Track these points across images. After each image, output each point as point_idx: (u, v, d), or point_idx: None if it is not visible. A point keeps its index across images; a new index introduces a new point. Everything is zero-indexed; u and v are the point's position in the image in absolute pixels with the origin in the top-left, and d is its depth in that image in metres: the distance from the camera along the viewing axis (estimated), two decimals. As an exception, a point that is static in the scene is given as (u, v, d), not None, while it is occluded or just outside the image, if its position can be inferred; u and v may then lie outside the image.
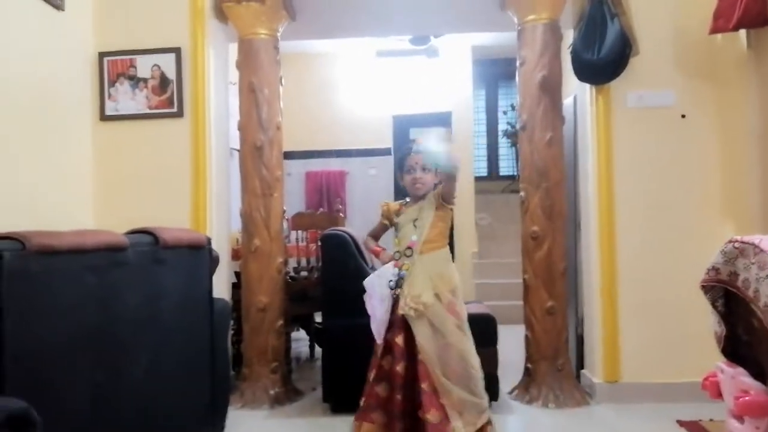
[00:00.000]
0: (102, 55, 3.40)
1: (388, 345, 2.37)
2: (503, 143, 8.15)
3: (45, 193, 3.00)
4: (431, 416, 2.23)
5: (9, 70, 2.77)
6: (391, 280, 2.39)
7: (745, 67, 3.01)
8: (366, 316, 3.19)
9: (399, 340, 2.34)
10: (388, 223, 2.54)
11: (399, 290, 2.37)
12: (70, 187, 3.24)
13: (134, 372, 1.99)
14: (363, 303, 3.20)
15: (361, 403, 2.40)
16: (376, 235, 2.64)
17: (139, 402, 2.01)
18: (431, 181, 2.44)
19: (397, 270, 2.39)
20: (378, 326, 2.40)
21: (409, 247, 2.40)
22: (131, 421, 1.96)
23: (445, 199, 2.43)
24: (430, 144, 2.37)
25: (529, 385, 3.33)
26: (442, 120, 6.62)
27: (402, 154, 2.51)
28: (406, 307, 2.31)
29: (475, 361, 2.37)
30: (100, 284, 1.84)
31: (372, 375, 2.38)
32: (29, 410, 1.37)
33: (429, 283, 2.35)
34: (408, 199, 2.53)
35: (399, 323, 2.36)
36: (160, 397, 2.12)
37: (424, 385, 2.27)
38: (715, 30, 3.00)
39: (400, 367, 2.32)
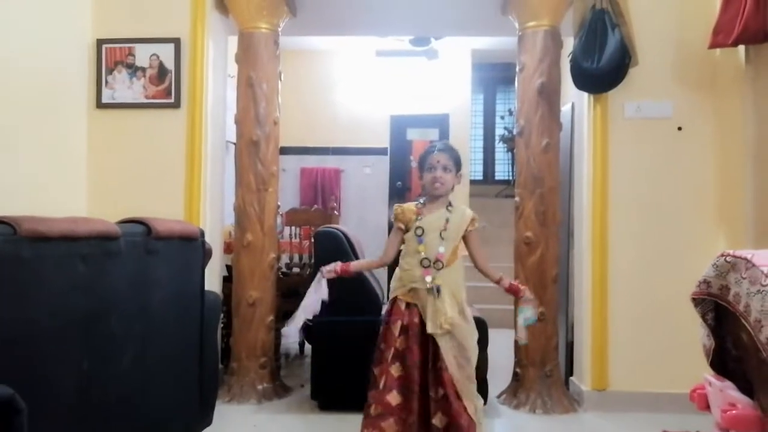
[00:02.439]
0: (100, 42, 3.37)
1: (399, 353, 2.29)
2: (499, 148, 8.16)
3: (39, 180, 2.98)
4: (464, 420, 2.20)
5: (6, 55, 2.75)
6: (430, 289, 2.26)
7: (742, 81, 3.03)
8: (357, 315, 3.21)
9: (415, 348, 2.26)
10: (403, 227, 2.37)
11: (436, 299, 2.26)
12: (64, 174, 3.21)
13: (122, 362, 1.97)
14: (354, 302, 3.23)
15: (371, 410, 2.29)
16: (395, 247, 2.42)
17: (127, 392, 1.99)
18: (451, 181, 2.36)
19: (429, 278, 2.27)
20: (307, 314, 2.40)
21: (438, 260, 2.28)
22: (118, 411, 1.95)
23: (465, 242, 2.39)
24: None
25: (517, 390, 3.33)
26: (440, 122, 6.62)
27: (426, 151, 2.41)
28: (438, 328, 2.23)
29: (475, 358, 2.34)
30: (91, 272, 1.83)
31: (382, 382, 2.28)
32: (14, 397, 1.36)
33: (453, 300, 2.28)
34: (422, 200, 2.41)
35: (415, 332, 2.28)
36: (147, 388, 2.11)
37: (448, 391, 2.22)
38: (714, 45, 3.02)
39: (416, 375, 2.25)
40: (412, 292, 2.30)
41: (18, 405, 1.36)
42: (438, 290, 2.25)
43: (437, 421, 2.22)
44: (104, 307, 1.89)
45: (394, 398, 2.26)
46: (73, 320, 1.75)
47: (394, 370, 2.28)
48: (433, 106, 6.64)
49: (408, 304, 2.31)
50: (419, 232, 2.31)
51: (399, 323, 2.30)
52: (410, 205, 2.41)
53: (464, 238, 2.36)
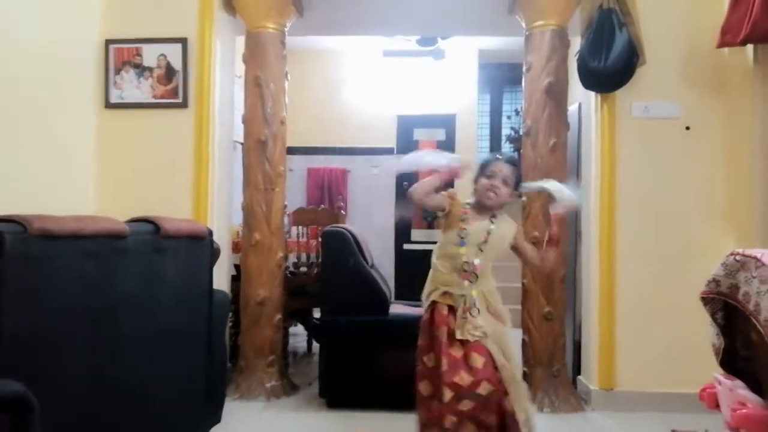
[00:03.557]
0: (108, 42, 3.39)
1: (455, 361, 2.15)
2: (506, 148, 8.15)
3: (48, 179, 3.00)
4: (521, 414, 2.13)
5: (15, 55, 2.77)
6: (464, 295, 2.16)
7: (751, 81, 3.01)
8: (365, 313, 3.22)
9: (456, 352, 2.13)
10: (449, 207, 2.23)
11: (472, 308, 2.16)
12: (72, 174, 3.24)
13: (132, 359, 1.98)
14: (361, 300, 3.23)
15: (446, 423, 2.13)
16: (429, 193, 2.23)
17: (136, 389, 2.00)
18: (505, 196, 2.23)
19: (467, 283, 2.17)
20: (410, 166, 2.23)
21: (474, 272, 2.17)
22: (128, 408, 1.96)
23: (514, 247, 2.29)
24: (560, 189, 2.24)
25: (524, 389, 3.33)
26: (446, 122, 6.62)
27: (489, 158, 2.29)
28: (470, 335, 2.13)
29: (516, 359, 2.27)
30: (100, 270, 1.84)
31: (448, 396, 2.10)
32: (27, 393, 1.37)
33: (484, 306, 2.18)
34: (469, 203, 2.27)
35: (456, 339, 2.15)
36: (157, 386, 2.12)
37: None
38: (722, 44, 3.01)
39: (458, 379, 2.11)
40: (446, 295, 2.19)
41: (30, 401, 1.37)
42: (475, 304, 2.14)
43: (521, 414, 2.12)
44: (113, 305, 1.90)
45: (465, 406, 2.09)
46: (82, 318, 1.76)
47: (455, 376, 2.11)
48: (440, 106, 6.64)
49: (450, 308, 2.19)
50: (463, 234, 2.19)
51: (444, 329, 2.16)
52: (462, 203, 2.26)
53: (514, 249, 2.29)
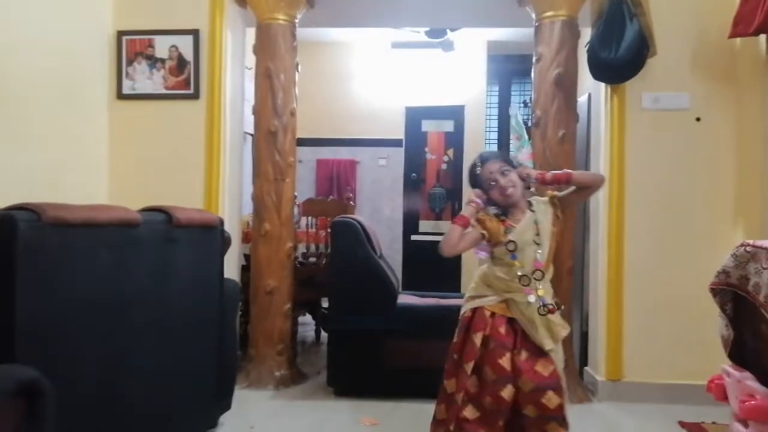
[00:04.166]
0: (120, 33, 3.42)
1: (477, 367, 2.07)
2: (513, 140, 8.12)
3: (61, 169, 3.03)
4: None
5: (29, 47, 2.80)
6: (530, 303, 2.04)
7: (762, 72, 2.99)
8: (373, 303, 3.24)
9: (498, 362, 2.03)
10: (486, 234, 2.12)
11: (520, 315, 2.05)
12: (85, 164, 3.27)
13: (143, 347, 2.01)
14: (369, 290, 3.25)
15: (441, 416, 2.13)
16: (461, 246, 2.15)
17: (148, 377, 2.03)
18: (518, 181, 2.12)
19: (534, 297, 2.04)
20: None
21: (538, 270, 2.06)
22: (139, 395, 1.99)
23: (563, 209, 2.17)
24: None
25: (531, 380, 3.34)
26: (455, 113, 6.61)
27: (471, 171, 2.19)
28: (549, 341, 2.02)
29: None
30: (113, 259, 1.87)
31: (460, 398, 2.06)
32: (41, 379, 1.39)
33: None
34: (498, 211, 2.16)
35: (499, 344, 2.06)
36: (168, 373, 2.15)
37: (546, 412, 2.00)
38: (734, 34, 2.98)
39: (506, 393, 2.01)
40: (505, 303, 2.08)
41: (44, 387, 1.40)
42: (545, 305, 2.04)
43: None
44: (126, 293, 1.92)
45: (471, 413, 2.04)
46: (95, 305, 1.79)
47: (471, 384, 2.05)
48: (449, 97, 6.62)
49: (493, 313, 2.09)
50: (512, 247, 2.07)
51: (481, 335, 2.07)
52: (494, 219, 2.14)
53: (564, 208, 2.18)
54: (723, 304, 2.03)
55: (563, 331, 2.07)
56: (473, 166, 2.20)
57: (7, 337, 1.50)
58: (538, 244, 2.08)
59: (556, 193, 2.18)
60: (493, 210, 2.17)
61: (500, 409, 2.01)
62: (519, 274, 2.06)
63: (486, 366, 2.04)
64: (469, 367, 2.05)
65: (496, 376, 2.01)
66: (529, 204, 2.14)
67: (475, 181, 2.17)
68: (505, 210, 2.15)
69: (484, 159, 2.17)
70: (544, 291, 2.06)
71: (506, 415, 2.02)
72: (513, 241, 2.08)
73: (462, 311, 2.19)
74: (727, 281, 1.97)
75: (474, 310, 2.13)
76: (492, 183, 2.12)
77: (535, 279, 2.06)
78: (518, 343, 2.06)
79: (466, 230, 2.13)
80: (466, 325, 2.14)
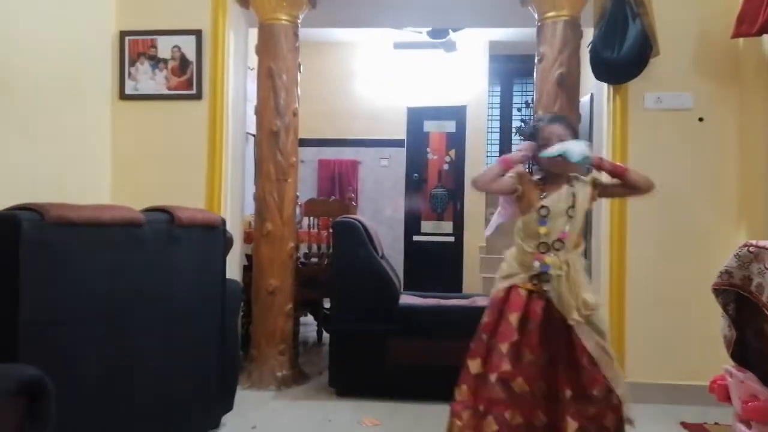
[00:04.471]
0: (123, 34, 3.42)
1: (515, 348, 2.01)
2: (516, 140, 8.13)
3: (64, 169, 3.04)
4: (609, 421, 2.02)
5: (32, 47, 2.80)
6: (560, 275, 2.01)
7: (765, 72, 2.99)
8: (374, 303, 3.24)
9: (536, 343, 2.01)
10: (521, 189, 2.11)
11: (545, 285, 2.02)
12: (88, 164, 3.27)
13: (146, 346, 2.01)
14: (371, 290, 3.25)
15: (463, 397, 2.07)
16: (494, 182, 2.13)
17: (150, 376, 2.04)
18: None
19: (537, 264, 2.03)
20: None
21: (560, 240, 2.03)
22: (141, 395, 1.99)
23: (601, 195, 2.16)
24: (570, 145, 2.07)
25: (533, 380, 3.33)
26: (457, 114, 6.61)
27: (533, 125, 2.15)
28: (576, 314, 1.97)
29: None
30: (115, 258, 1.87)
31: (494, 377, 2.00)
32: (43, 378, 1.40)
33: (587, 284, 2.05)
34: (540, 176, 2.15)
35: (537, 324, 2.02)
36: (170, 373, 2.15)
37: (588, 390, 1.98)
38: (738, 34, 2.98)
39: (535, 373, 2.00)
40: (533, 281, 2.04)
41: (46, 386, 1.40)
42: (546, 272, 2.01)
43: (568, 426, 1.95)
44: (128, 293, 1.93)
45: (500, 394, 1.99)
46: (98, 305, 1.79)
47: (505, 364, 2.00)
48: (451, 97, 6.62)
49: (530, 293, 2.05)
50: (544, 212, 2.05)
51: (517, 315, 2.02)
52: (532, 180, 2.13)
53: (603, 194, 2.18)
54: (726, 305, 2.02)
55: (586, 311, 1.98)
56: (537, 120, 2.20)
57: (11, 336, 1.51)
58: (570, 216, 2.05)
59: (597, 176, 2.18)
60: (538, 176, 2.15)
61: (533, 392, 1.99)
62: (541, 240, 2.04)
63: (524, 347, 2.00)
64: (505, 347, 2.00)
65: (533, 356, 1.99)
66: (570, 179, 2.12)
67: (533, 135, 2.14)
68: (546, 178, 2.14)
69: (551, 119, 2.16)
70: (551, 260, 2.02)
71: (540, 400, 2.00)
72: (546, 207, 2.06)
73: (493, 291, 2.15)
74: (729, 281, 1.96)
75: (508, 290, 2.08)
76: (547, 143, 2.09)
77: (554, 248, 2.03)
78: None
79: (504, 175, 2.12)
80: (498, 305, 2.08)
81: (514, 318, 2.02)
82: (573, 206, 2.06)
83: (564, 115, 2.26)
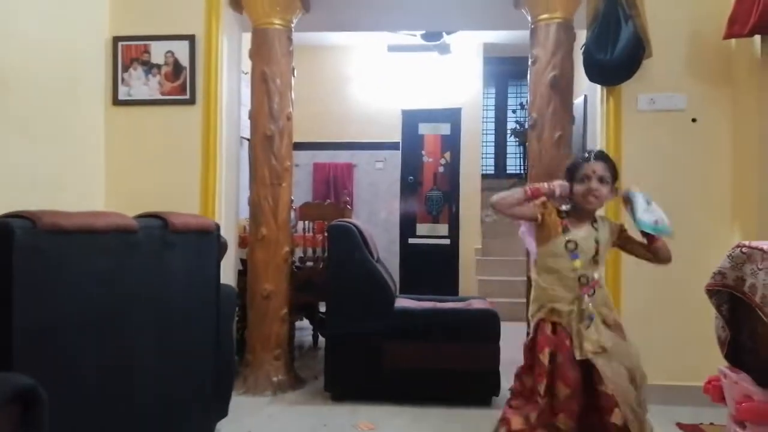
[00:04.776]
0: (116, 39, 3.41)
1: (550, 384, 2.04)
2: (511, 142, 8.14)
3: (57, 175, 3.03)
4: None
5: (25, 53, 2.79)
6: (573, 310, 2.05)
7: (758, 72, 3.00)
8: (370, 307, 3.24)
9: (569, 374, 2.02)
10: (540, 218, 2.12)
11: (588, 324, 2.04)
12: (82, 170, 3.26)
13: (140, 354, 2.01)
14: (366, 294, 3.25)
15: None
16: (517, 208, 2.14)
17: (145, 383, 2.03)
18: (606, 195, 2.09)
19: (587, 297, 2.04)
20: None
21: (593, 287, 2.06)
22: (136, 401, 1.98)
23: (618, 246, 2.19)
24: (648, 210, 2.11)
25: (529, 382, 3.34)
26: (451, 116, 6.63)
27: (577, 160, 2.14)
28: (588, 353, 2.00)
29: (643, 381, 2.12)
30: (109, 265, 1.86)
31: (534, 417, 2.03)
32: (36, 387, 1.39)
33: (599, 320, 2.07)
34: (566, 208, 2.14)
35: (566, 356, 2.03)
36: (165, 379, 2.14)
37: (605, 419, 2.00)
38: (729, 35, 3.00)
39: (572, 404, 2.02)
40: (553, 313, 2.07)
41: (40, 395, 1.39)
42: (591, 318, 2.03)
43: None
44: (122, 299, 1.92)
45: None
46: (92, 312, 1.78)
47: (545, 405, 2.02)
48: (445, 100, 6.64)
49: (554, 327, 2.06)
50: (572, 246, 2.06)
51: (547, 351, 2.04)
52: (554, 211, 2.13)
53: (623, 247, 2.20)
54: (719, 306, 2.03)
55: (590, 352, 2.01)
56: (586, 152, 2.19)
57: (5, 344, 1.50)
58: (596, 262, 2.08)
59: (626, 227, 2.19)
60: (564, 208, 2.14)
61: (572, 424, 2.00)
62: (579, 274, 2.04)
63: (558, 381, 2.01)
64: (543, 387, 2.02)
65: (569, 390, 2.00)
66: (594, 220, 2.13)
67: (574, 168, 2.13)
68: (571, 212, 2.14)
69: (596, 156, 2.14)
70: (592, 308, 2.04)
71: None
72: (573, 241, 2.06)
73: (530, 333, 2.16)
74: (723, 282, 1.97)
75: (536, 329, 2.10)
76: (585, 179, 2.08)
77: (588, 295, 2.05)
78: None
79: (528, 202, 2.12)
80: (529, 348, 2.12)
81: (545, 356, 2.04)
82: (597, 252, 2.08)
83: (606, 154, 2.24)
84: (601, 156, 2.16)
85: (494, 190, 6.91)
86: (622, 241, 2.19)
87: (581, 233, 2.09)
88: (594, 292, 2.06)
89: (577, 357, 2.01)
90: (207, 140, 3.35)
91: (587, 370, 2.03)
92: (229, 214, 3.55)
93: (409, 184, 6.63)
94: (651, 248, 2.16)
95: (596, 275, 2.07)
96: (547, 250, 2.10)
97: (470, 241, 6.39)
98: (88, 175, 3.31)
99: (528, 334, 2.18)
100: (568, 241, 2.06)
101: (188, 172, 3.34)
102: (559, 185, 2.12)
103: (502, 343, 3.21)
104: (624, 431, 1.98)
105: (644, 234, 2.13)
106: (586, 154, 2.15)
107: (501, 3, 3.67)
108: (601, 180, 2.08)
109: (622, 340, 2.11)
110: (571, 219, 2.11)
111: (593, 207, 2.10)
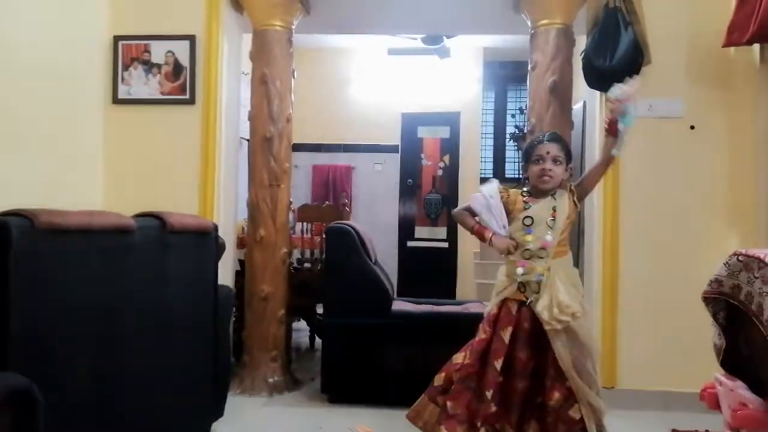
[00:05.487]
0: (117, 38, 3.42)
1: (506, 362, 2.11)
2: (510, 146, 8.15)
3: (55, 174, 3.02)
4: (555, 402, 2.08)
5: (25, 52, 2.80)
6: (522, 275, 2.13)
7: (757, 80, 3.01)
8: (367, 309, 3.24)
9: (523, 355, 2.12)
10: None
11: (532, 294, 2.12)
12: (80, 169, 3.26)
13: (137, 353, 2.00)
14: (364, 296, 3.25)
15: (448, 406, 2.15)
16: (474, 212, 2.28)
17: (141, 383, 2.02)
18: (560, 175, 2.19)
19: (521, 269, 2.13)
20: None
21: (543, 248, 2.13)
22: (132, 402, 1.98)
23: (581, 197, 2.24)
24: (625, 89, 2.14)
25: (525, 387, 3.34)
26: (451, 120, 6.63)
27: (532, 142, 2.27)
28: (553, 320, 2.05)
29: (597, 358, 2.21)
30: (107, 265, 1.86)
31: (489, 394, 2.11)
32: (32, 387, 1.38)
33: (573, 291, 2.13)
34: (526, 190, 2.26)
35: (524, 336, 2.12)
36: (161, 380, 2.14)
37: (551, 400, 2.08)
38: (729, 43, 3.01)
39: (521, 385, 2.11)
40: (520, 292, 2.15)
41: (35, 396, 1.39)
42: (537, 282, 2.11)
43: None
44: (119, 300, 1.91)
45: (493, 408, 2.10)
46: (88, 312, 1.78)
47: (493, 376, 2.11)
48: (444, 104, 6.65)
49: (519, 306, 2.15)
50: (528, 221, 2.17)
51: (510, 329, 2.13)
52: (515, 192, 2.26)
53: (582, 193, 2.24)
54: (716, 313, 2.03)
55: (563, 316, 2.06)
56: (539, 135, 2.30)
57: (0, 344, 1.50)
58: (550, 227, 2.15)
59: (572, 183, 2.26)
60: (525, 189, 2.26)
61: (513, 402, 2.11)
62: (526, 247, 2.15)
63: (515, 360, 2.11)
64: (499, 363, 2.11)
65: (523, 369, 2.10)
66: (553, 192, 2.22)
67: (529, 150, 2.25)
68: (531, 192, 2.25)
69: (550, 137, 2.24)
70: (543, 269, 2.12)
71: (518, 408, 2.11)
72: (530, 216, 2.17)
73: (488, 309, 2.24)
74: (719, 290, 1.97)
75: (500, 306, 2.19)
76: (539, 160, 2.19)
77: (538, 257, 2.14)
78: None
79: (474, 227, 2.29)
80: (492, 321, 2.19)
81: (506, 333, 2.13)
82: (554, 218, 2.17)
83: (560, 136, 2.32)
84: (555, 137, 2.25)
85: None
86: (578, 190, 2.24)
87: (539, 206, 2.20)
88: (546, 254, 2.13)
89: (546, 328, 2.06)
90: (206, 141, 3.35)
91: (539, 350, 2.11)
92: (228, 215, 3.54)
93: (408, 187, 6.63)
94: (606, 143, 2.21)
95: (548, 237, 2.14)
96: (514, 228, 2.21)
97: (468, 244, 6.39)
98: (86, 173, 3.31)
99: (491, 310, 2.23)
100: (525, 217, 2.18)
101: (187, 172, 3.35)
102: (501, 243, 2.19)
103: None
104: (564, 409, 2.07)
105: (608, 127, 2.18)
106: (541, 136, 2.26)
107: (501, 8, 3.68)
108: (555, 160, 2.18)
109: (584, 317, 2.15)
110: (531, 198, 2.23)
111: (548, 187, 2.20)
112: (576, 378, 2.07)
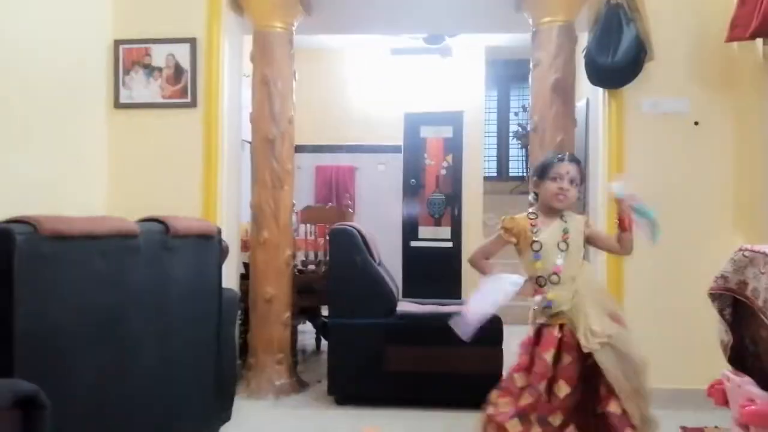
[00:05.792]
0: (118, 42, 3.42)
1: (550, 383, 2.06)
2: (513, 144, 8.14)
3: (58, 179, 3.03)
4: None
5: (27, 56, 2.80)
6: (544, 306, 2.09)
7: (760, 75, 3.00)
8: (373, 311, 3.23)
9: (572, 370, 2.05)
10: (515, 240, 2.16)
11: (557, 319, 2.08)
12: (83, 174, 3.27)
13: (143, 358, 2.00)
14: (369, 297, 3.25)
15: None
16: (488, 254, 2.26)
17: (147, 388, 2.02)
18: (574, 197, 2.16)
19: (539, 298, 2.10)
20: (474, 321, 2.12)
21: (555, 273, 2.09)
22: (138, 406, 1.98)
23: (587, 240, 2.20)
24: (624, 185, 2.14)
25: (532, 386, 3.33)
26: (454, 119, 6.62)
27: (551, 159, 2.20)
28: (592, 344, 1.99)
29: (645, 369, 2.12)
30: (111, 270, 1.86)
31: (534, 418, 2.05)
32: (38, 392, 1.39)
33: (600, 309, 2.06)
34: (532, 211, 2.20)
35: (573, 349, 2.05)
36: (167, 384, 2.14)
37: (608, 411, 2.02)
38: (732, 38, 2.99)
39: (570, 401, 2.04)
40: (556, 317, 2.08)
41: (42, 401, 1.39)
42: (551, 307, 2.07)
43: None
44: (124, 304, 1.92)
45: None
46: (93, 317, 1.78)
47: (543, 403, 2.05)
48: (447, 103, 6.63)
49: (561, 327, 2.08)
50: (536, 247, 2.12)
51: (552, 350, 2.06)
52: (521, 217, 2.19)
53: (588, 240, 2.21)
54: (722, 309, 2.02)
55: (595, 344, 2.00)
56: (559, 154, 2.25)
57: (6, 350, 1.50)
58: (561, 250, 2.11)
59: (591, 223, 2.24)
60: (531, 210, 2.20)
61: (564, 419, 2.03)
62: (538, 274, 2.10)
63: (560, 381, 2.04)
64: (542, 386, 2.04)
65: (571, 388, 2.03)
66: (562, 214, 2.17)
67: (546, 167, 2.18)
68: (539, 212, 2.19)
69: (571, 158, 2.20)
70: (554, 295, 2.07)
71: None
72: (538, 241, 2.12)
73: (530, 333, 2.18)
74: (725, 286, 1.97)
75: (538, 331, 2.12)
76: (557, 178, 2.14)
77: (551, 282, 2.08)
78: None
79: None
80: (528, 347, 2.14)
81: (548, 356, 2.06)
82: (564, 241, 2.12)
83: (577, 158, 2.28)
84: (575, 159, 2.22)
85: (497, 192, 6.91)
86: (588, 234, 2.21)
87: (549, 230, 2.13)
88: (560, 279, 2.08)
89: (584, 347, 2.00)
90: (208, 143, 3.35)
91: (588, 366, 2.04)
92: (231, 218, 3.54)
93: (412, 187, 6.62)
94: (623, 237, 2.16)
95: (559, 261, 2.09)
96: (526, 258, 2.15)
97: (473, 244, 6.36)
98: (89, 178, 3.31)
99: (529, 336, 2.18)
100: (534, 242, 2.13)
101: (190, 176, 3.35)
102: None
103: (504, 346, 3.20)
104: (624, 419, 2.00)
105: (620, 224, 2.15)
106: (560, 155, 2.22)
107: (503, 6, 3.67)
108: (572, 182, 2.15)
109: (623, 330, 2.10)
110: (541, 218, 2.17)
111: (561, 206, 2.16)
112: (626, 390, 2.02)
